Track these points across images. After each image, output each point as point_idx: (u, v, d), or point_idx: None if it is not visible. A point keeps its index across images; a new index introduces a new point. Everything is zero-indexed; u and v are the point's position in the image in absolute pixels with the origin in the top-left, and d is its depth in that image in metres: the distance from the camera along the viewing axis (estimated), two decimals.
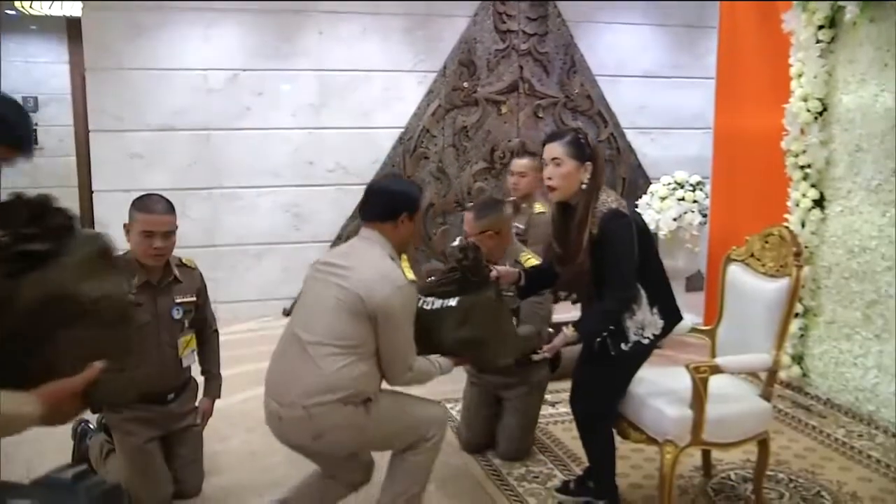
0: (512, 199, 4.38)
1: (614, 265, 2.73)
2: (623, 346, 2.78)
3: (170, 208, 2.99)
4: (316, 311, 2.59)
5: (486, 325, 2.79)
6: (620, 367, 2.88)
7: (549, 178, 2.81)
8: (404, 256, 2.68)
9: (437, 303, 2.83)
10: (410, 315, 2.59)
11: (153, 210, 2.94)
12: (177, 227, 3.02)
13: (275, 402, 2.55)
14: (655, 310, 2.80)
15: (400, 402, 2.69)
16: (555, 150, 2.80)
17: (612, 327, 2.78)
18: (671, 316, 2.86)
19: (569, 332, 2.78)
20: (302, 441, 2.57)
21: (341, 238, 6.10)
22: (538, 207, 4.25)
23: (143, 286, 2.98)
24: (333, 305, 2.52)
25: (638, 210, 5.55)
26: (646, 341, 2.79)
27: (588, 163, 2.77)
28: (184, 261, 3.16)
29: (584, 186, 2.77)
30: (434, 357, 2.72)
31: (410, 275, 2.58)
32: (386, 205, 2.68)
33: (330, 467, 2.77)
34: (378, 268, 2.55)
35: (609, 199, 2.77)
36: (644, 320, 2.78)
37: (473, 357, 2.95)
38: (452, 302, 2.77)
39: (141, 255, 2.95)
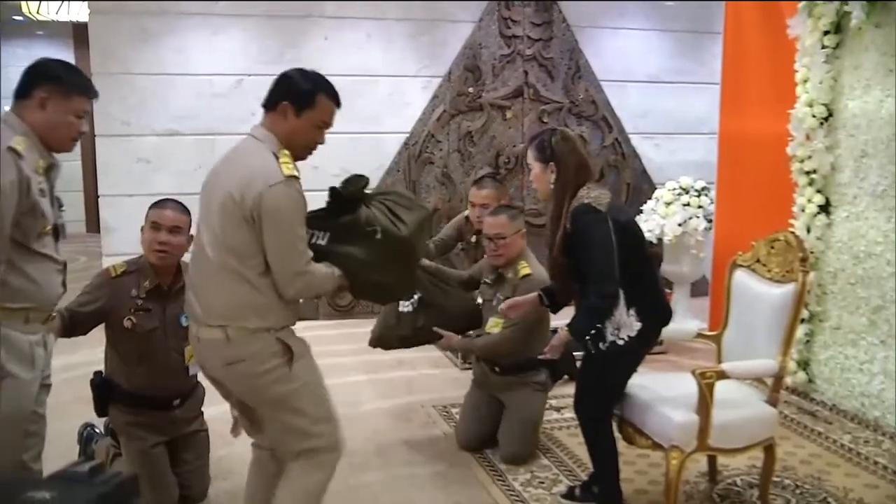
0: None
1: (589, 260, 2.75)
2: (601, 345, 2.79)
3: (183, 209, 3.03)
4: (208, 222, 2.39)
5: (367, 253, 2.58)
6: (606, 369, 2.89)
7: (531, 182, 3.01)
8: (286, 153, 2.41)
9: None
10: (292, 213, 2.33)
11: (163, 206, 3.00)
12: (188, 230, 3.01)
13: (194, 322, 2.43)
14: (632, 311, 2.79)
15: (317, 382, 2.50)
16: (528, 155, 2.99)
17: (599, 325, 2.79)
18: (653, 319, 2.86)
19: (563, 332, 2.82)
20: (215, 370, 2.43)
21: None
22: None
23: (153, 290, 2.99)
24: (217, 212, 2.34)
25: (642, 214, 5.58)
26: (621, 342, 2.78)
27: (551, 163, 2.86)
28: None
29: (552, 186, 2.87)
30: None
31: (289, 170, 2.34)
32: (272, 91, 2.49)
33: (254, 421, 2.58)
34: (251, 165, 2.35)
35: (587, 195, 2.79)
36: (620, 321, 2.78)
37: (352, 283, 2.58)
38: (322, 241, 2.52)
39: (147, 251, 2.97)
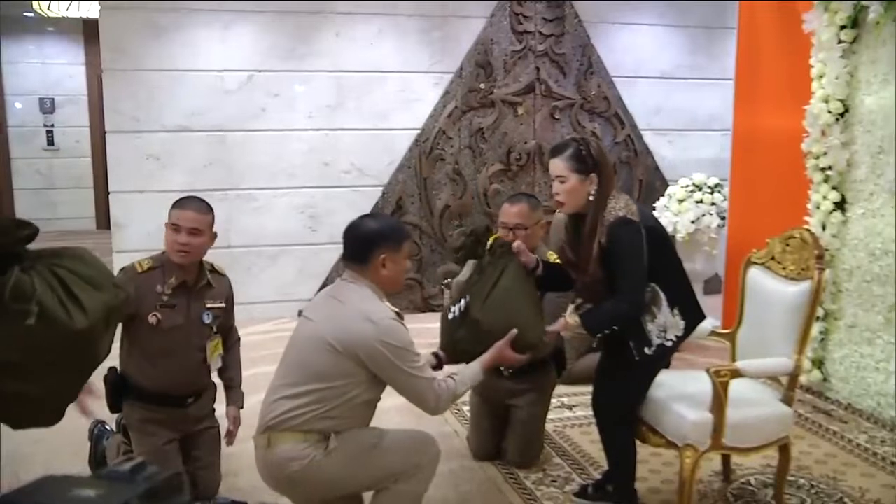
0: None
1: (622, 272, 2.69)
2: (647, 350, 2.74)
3: (203, 208, 3.01)
4: (295, 357, 2.59)
5: (509, 304, 2.73)
6: (643, 371, 2.85)
7: (557, 194, 2.80)
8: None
9: (455, 309, 2.81)
10: (403, 350, 2.46)
11: (183, 206, 2.97)
12: (210, 229, 3.02)
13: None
14: (676, 311, 2.77)
15: (370, 443, 2.54)
16: (558, 166, 2.77)
17: (613, 328, 2.75)
18: (693, 316, 2.83)
19: (571, 319, 2.75)
20: (265, 473, 2.60)
21: None
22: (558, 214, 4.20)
23: (179, 287, 2.98)
24: (311, 347, 2.51)
25: (655, 211, 5.55)
26: (669, 343, 2.76)
27: (593, 174, 2.73)
28: (216, 267, 3.17)
29: (591, 198, 2.74)
30: (460, 372, 2.63)
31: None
32: (359, 246, 2.59)
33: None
34: (357, 308, 2.48)
35: (618, 206, 2.72)
36: (666, 322, 2.75)
37: (513, 343, 2.67)
38: (463, 303, 2.69)
39: (168, 250, 2.96)
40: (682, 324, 2.77)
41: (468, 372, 2.64)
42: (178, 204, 3.00)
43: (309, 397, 2.46)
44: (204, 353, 3.06)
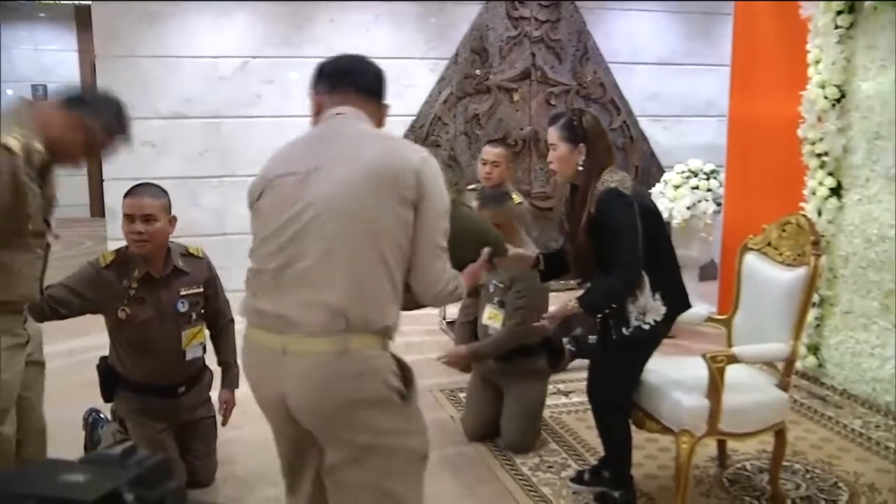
0: (483, 187, 4.35)
1: (614, 245, 2.71)
2: (624, 330, 2.76)
3: (156, 193, 2.90)
4: (341, 204, 1.86)
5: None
6: (627, 354, 2.86)
7: (550, 162, 2.89)
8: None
9: None
10: (445, 197, 1.93)
11: (134, 194, 2.88)
12: (166, 215, 2.91)
13: (277, 334, 1.90)
14: (658, 295, 2.76)
15: (422, 453, 2.09)
16: (551, 134, 2.86)
17: (613, 305, 2.76)
18: (676, 303, 2.83)
19: (571, 304, 2.77)
20: (313, 392, 1.86)
21: None
22: (515, 199, 4.19)
23: (144, 279, 2.91)
24: (351, 189, 1.85)
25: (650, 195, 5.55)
26: (646, 326, 2.76)
27: (581, 144, 2.78)
28: (190, 250, 3.08)
29: (580, 168, 2.79)
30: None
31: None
32: (374, 78, 2.13)
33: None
34: (388, 136, 2.02)
35: (612, 179, 2.74)
36: (646, 305, 2.75)
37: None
38: None
39: (128, 242, 2.89)
40: (662, 309, 2.77)
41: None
42: (129, 193, 2.89)
43: (376, 256, 1.82)
44: (181, 342, 3.01)
